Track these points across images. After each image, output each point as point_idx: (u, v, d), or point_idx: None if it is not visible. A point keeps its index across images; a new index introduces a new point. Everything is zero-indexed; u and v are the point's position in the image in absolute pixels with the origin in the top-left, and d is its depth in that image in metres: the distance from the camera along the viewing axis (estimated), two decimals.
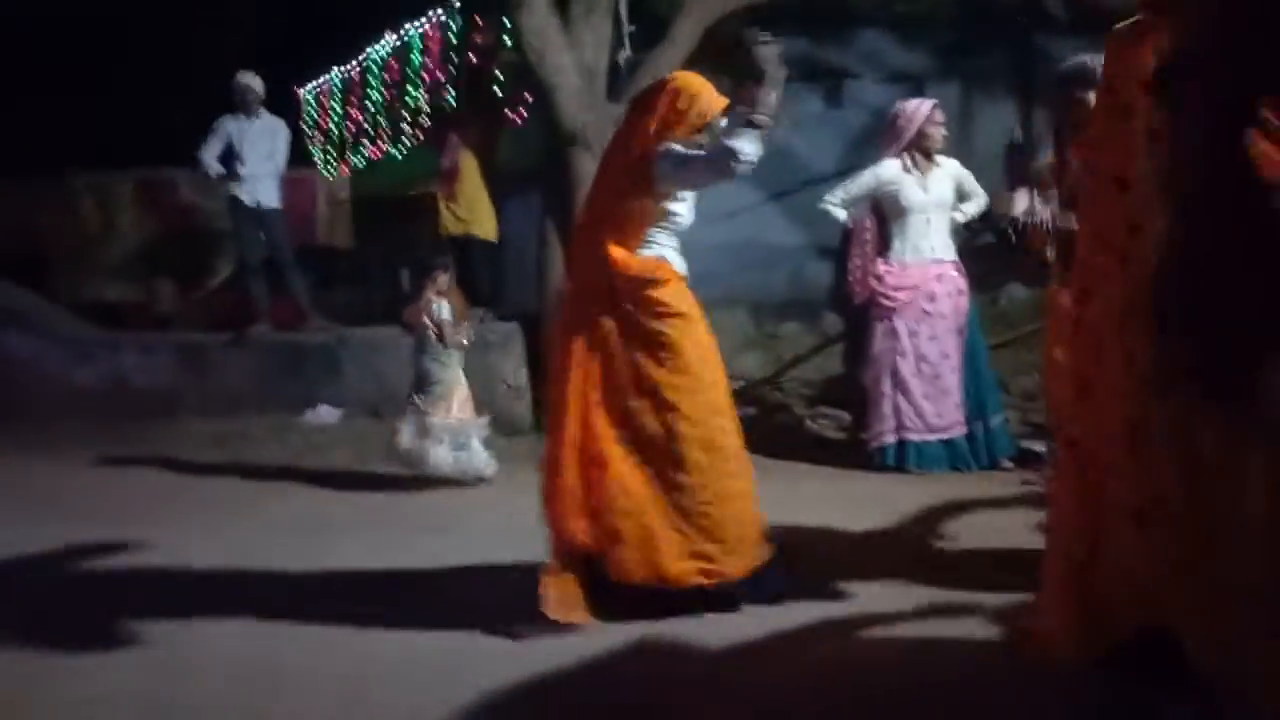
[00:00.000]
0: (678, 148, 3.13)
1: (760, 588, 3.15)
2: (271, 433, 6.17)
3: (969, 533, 3.95)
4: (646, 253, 3.24)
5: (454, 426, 5.10)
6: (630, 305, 3.16)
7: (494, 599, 3.30)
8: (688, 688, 2.73)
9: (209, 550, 3.99)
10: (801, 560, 3.50)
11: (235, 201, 7.12)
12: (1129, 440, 2.45)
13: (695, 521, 3.10)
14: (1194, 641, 2.30)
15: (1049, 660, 2.61)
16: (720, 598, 3.11)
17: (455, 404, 5.16)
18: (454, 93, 8.45)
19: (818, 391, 6.57)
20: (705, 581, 3.11)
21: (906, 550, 3.80)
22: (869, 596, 3.26)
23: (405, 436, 5.06)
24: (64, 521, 4.41)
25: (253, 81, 7.19)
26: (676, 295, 3.19)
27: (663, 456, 3.12)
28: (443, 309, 5.18)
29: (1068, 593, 2.58)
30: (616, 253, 3.19)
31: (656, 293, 3.15)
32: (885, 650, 2.89)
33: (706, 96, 3.18)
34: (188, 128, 7.35)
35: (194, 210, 9.33)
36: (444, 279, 5.27)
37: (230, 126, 7.11)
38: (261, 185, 7.09)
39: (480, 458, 5.10)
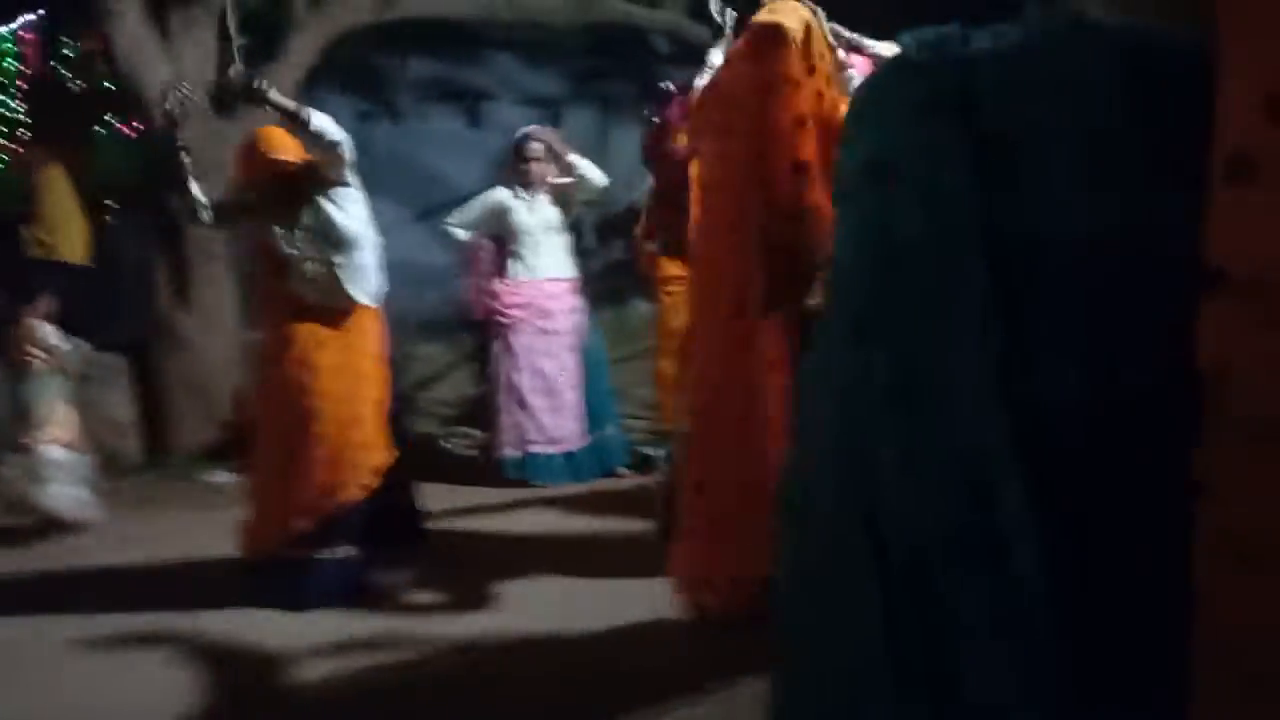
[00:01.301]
0: None
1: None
2: None
3: (589, 532, 4.15)
4: None
5: (65, 461, 4.65)
6: None
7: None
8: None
9: None
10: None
11: None
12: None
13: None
14: None
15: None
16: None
17: (63, 437, 4.70)
18: (33, 101, 7.66)
19: (456, 411, 6.58)
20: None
21: (531, 551, 3.93)
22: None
23: (13, 479, 4.59)
24: None
25: None
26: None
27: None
28: (48, 333, 4.77)
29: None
30: None
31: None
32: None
33: None
34: None
35: None
36: (46, 303, 4.82)
37: None
38: None
39: (87, 498, 4.69)
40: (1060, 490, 1.00)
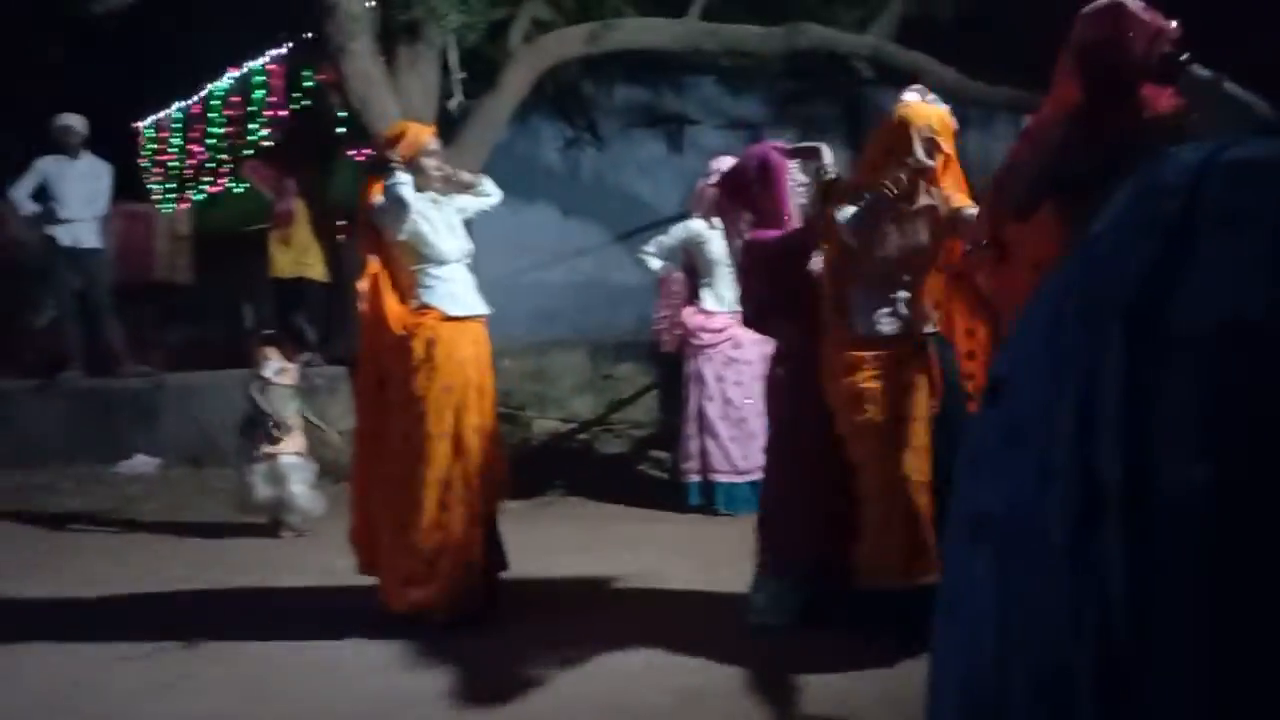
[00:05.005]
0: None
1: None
2: (78, 484, 5.96)
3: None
4: (417, 300, 3.56)
5: (300, 467, 5.11)
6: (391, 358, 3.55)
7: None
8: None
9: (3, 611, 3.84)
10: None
11: (51, 242, 6.92)
12: None
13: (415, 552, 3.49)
14: None
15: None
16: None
17: (299, 445, 5.19)
18: (283, 131, 8.36)
19: (648, 433, 6.72)
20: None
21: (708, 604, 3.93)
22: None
23: (260, 485, 5.06)
24: None
25: (74, 122, 7.01)
26: (423, 343, 3.51)
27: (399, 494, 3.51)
28: (292, 351, 5.36)
29: None
30: (380, 309, 3.56)
31: (409, 345, 3.51)
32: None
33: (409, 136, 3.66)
34: (22, 159, 7.10)
35: (24, 246, 8.92)
36: (294, 322, 5.37)
37: (49, 167, 6.91)
38: (82, 227, 6.91)
39: (315, 501, 5.14)
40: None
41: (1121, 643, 1.01)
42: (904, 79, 6.32)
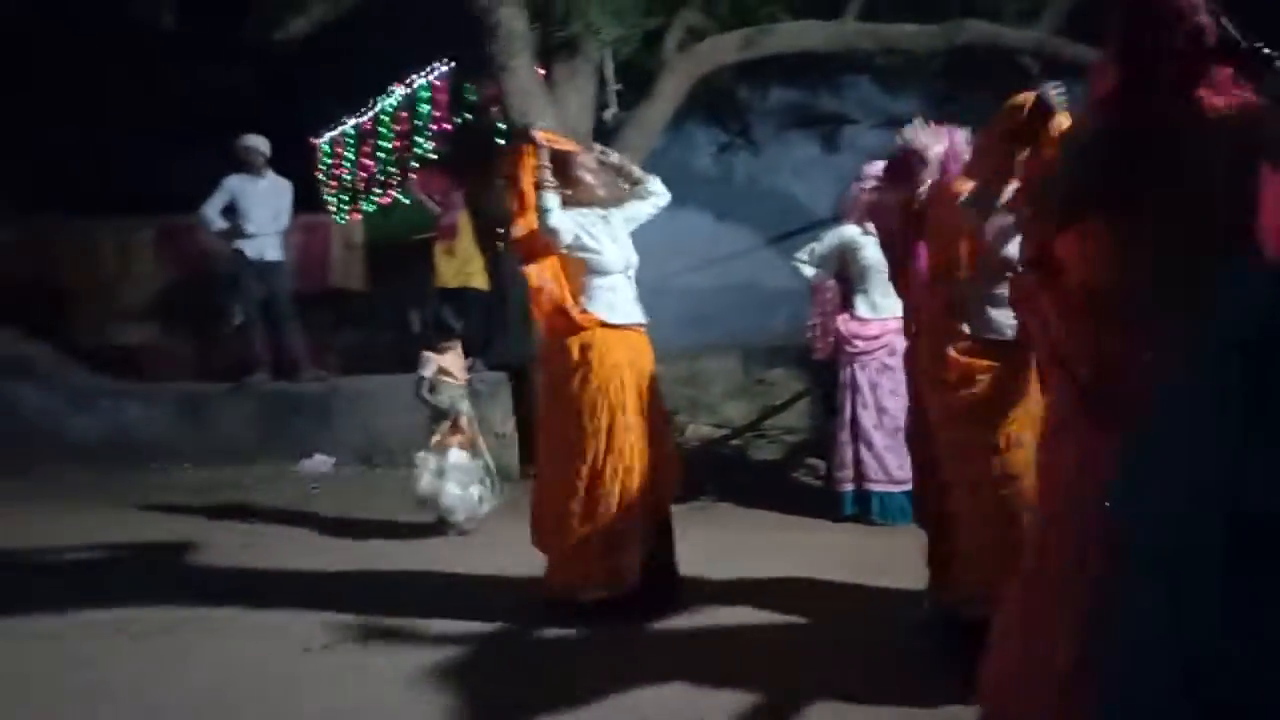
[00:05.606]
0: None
1: None
2: (263, 481, 6.37)
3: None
4: (580, 307, 3.75)
5: (464, 465, 5.31)
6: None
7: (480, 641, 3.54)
8: None
9: (194, 599, 4.11)
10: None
11: (240, 255, 7.43)
12: None
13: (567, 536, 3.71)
14: None
15: None
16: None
17: (465, 443, 5.37)
18: (448, 145, 8.72)
19: (802, 439, 6.68)
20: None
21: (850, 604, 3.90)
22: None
23: (424, 480, 5.27)
24: (46, 575, 4.58)
25: (258, 144, 7.50)
26: (578, 347, 3.70)
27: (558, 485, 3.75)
28: (459, 356, 5.55)
29: None
30: (548, 314, 3.78)
31: (568, 347, 3.71)
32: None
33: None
34: (213, 174, 7.65)
35: (215, 258, 9.60)
36: (459, 329, 5.72)
37: (234, 185, 7.42)
38: (266, 241, 7.40)
39: (477, 501, 5.32)
40: None
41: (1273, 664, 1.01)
42: (1073, 72, 6.07)
